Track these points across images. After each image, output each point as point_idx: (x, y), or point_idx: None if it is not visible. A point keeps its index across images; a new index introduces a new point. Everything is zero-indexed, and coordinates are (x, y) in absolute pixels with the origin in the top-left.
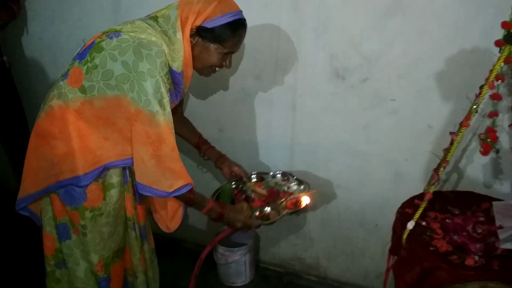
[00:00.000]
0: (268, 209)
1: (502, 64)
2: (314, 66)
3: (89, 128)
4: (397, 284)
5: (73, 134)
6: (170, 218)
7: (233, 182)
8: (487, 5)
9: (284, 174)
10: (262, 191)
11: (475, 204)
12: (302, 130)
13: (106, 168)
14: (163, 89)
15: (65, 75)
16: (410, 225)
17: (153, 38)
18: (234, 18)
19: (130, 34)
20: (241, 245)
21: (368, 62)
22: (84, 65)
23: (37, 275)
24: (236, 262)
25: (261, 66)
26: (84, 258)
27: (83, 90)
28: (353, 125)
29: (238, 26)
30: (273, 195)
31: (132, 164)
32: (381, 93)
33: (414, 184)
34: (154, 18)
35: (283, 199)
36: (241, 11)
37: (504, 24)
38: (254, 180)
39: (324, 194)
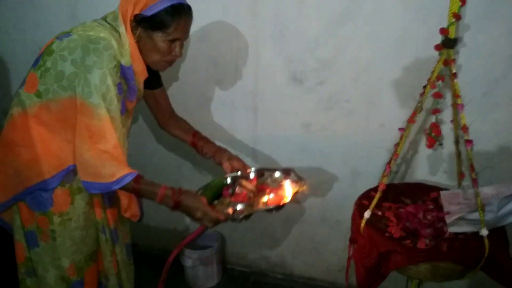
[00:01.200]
0: (240, 206)
1: (442, 65)
2: (273, 70)
3: (50, 132)
4: (357, 269)
5: (35, 139)
6: (124, 210)
7: (229, 177)
8: (430, 14)
9: (285, 170)
10: (249, 185)
11: (425, 194)
12: (263, 132)
13: (72, 172)
14: (110, 82)
15: (22, 83)
16: (367, 214)
17: (102, 34)
18: (172, 2)
19: (79, 33)
20: (208, 247)
21: (323, 66)
22: (38, 70)
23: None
24: (204, 264)
25: (222, 71)
26: (54, 265)
27: (38, 94)
28: (311, 126)
29: (178, 10)
30: (260, 192)
31: None
32: (336, 95)
33: (371, 179)
34: (104, 18)
35: (266, 196)
36: None
37: (442, 30)
38: (252, 176)
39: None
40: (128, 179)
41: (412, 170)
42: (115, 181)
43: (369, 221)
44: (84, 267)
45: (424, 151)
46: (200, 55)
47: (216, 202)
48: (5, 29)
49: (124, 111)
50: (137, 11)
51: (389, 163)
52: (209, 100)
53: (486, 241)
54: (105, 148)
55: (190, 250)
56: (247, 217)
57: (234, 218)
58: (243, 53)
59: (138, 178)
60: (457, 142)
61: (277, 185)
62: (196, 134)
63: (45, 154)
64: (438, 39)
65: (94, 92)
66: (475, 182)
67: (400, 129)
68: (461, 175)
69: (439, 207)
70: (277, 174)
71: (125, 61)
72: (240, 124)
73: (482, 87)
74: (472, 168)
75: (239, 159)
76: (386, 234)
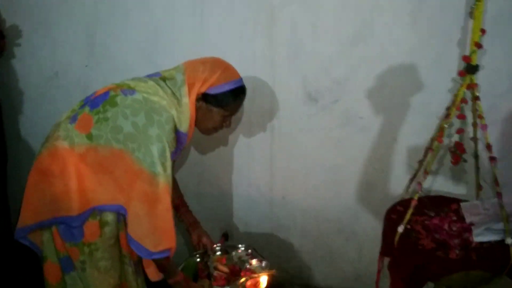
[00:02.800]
0: None
1: (465, 89)
2: (289, 90)
3: (89, 172)
4: (394, 281)
5: (72, 174)
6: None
7: (198, 255)
8: (437, 34)
9: (247, 248)
10: (224, 268)
11: (446, 206)
12: (280, 148)
13: (97, 210)
14: (167, 154)
15: (73, 119)
16: (400, 228)
17: (164, 102)
18: (236, 85)
19: (143, 94)
20: None
21: (337, 85)
22: (95, 115)
23: None
24: None
25: None
26: None
27: (90, 137)
28: (327, 142)
29: (239, 92)
30: (235, 273)
31: (120, 211)
32: (350, 112)
33: (385, 191)
34: (163, 79)
35: (243, 279)
36: (241, 79)
37: (465, 58)
38: (218, 253)
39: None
40: (165, 254)
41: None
42: (155, 252)
43: (401, 234)
44: None
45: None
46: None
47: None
48: (20, 57)
49: None
50: (204, 89)
51: (414, 179)
52: None
53: (511, 248)
54: (159, 212)
55: None
56: None
57: None
58: (259, 74)
59: (170, 255)
60: (476, 157)
61: (246, 265)
62: (182, 198)
63: (79, 191)
64: (448, 59)
65: (156, 163)
66: (499, 195)
67: (429, 149)
68: (479, 188)
69: (461, 217)
70: (241, 250)
71: (183, 128)
72: (256, 143)
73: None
74: (496, 182)
75: (208, 236)
76: (419, 247)
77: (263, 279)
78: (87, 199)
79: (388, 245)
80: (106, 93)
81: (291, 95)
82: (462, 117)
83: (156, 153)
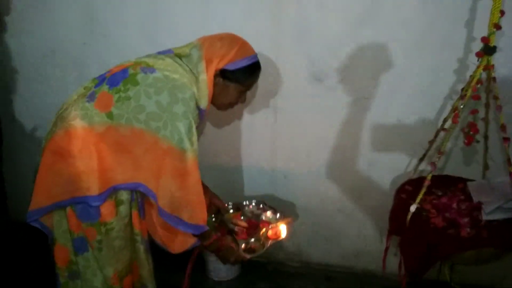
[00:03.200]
0: (252, 240)
1: (481, 71)
2: (294, 70)
3: (108, 151)
4: (407, 259)
5: (93, 154)
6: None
7: (212, 216)
8: (445, 15)
9: (258, 202)
10: (243, 222)
11: (452, 185)
12: (283, 128)
13: (114, 189)
14: (194, 130)
15: (90, 97)
16: (413, 208)
17: (185, 79)
18: (252, 61)
19: (164, 73)
20: None
21: (343, 65)
22: (116, 93)
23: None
24: None
25: None
26: (101, 271)
27: (110, 116)
28: (331, 122)
29: (256, 68)
30: (253, 226)
31: (139, 188)
32: (356, 93)
33: (386, 170)
34: (178, 55)
35: (263, 230)
36: (257, 54)
37: (483, 39)
38: (231, 211)
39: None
40: (201, 230)
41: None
42: (189, 224)
43: (412, 213)
44: (124, 276)
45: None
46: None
47: None
48: (14, 33)
49: None
50: (221, 65)
51: (422, 159)
52: None
53: None
54: (190, 184)
55: None
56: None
57: (253, 255)
58: (264, 53)
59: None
60: (486, 137)
61: (262, 217)
62: None
63: (100, 171)
64: (454, 40)
65: (184, 139)
66: (511, 175)
67: (444, 129)
68: (486, 167)
69: (468, 196)
70: (252, 206)
71: (203, 105)
72: (259, 122)
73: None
74: (509, 162)
75: (217, 197)
76: (431, 225)
77: (282, 228)
78: (107, 178)
79: (398, 224)
80: (125, 71)
81: (296, 74)
82: (477, 97)
83: (183, 130)
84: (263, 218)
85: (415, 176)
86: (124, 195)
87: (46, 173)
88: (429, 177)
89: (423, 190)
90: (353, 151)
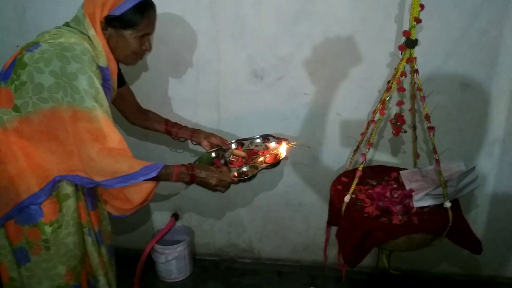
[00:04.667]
0: (245, 167)
1: (404, 63)
2: (234, 68)
3: (33, 145)
4: (343, 248)
5: (18, 154)
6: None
7: (213, 152)
8: (376, 11)
9: (264, 136)
10: (241, 152)
11: (387, 174)
12: (227, 127)
13: (58, 181)
14: (97, 85)
15: None
16: (347, 198)
17: (72, 39)
18: (138, 0)
19: (49, 42)
20: (178, 242)
21: (282, 62)
22: (11, 84)
23: None
24: (176, 258)
25: (183, 71)
26: (47, 276)
27: (16, 109)
28: (273, 118)
29: (145, 7)
30: (252, 155)
31: (83, 182)
32: (295, 89)
33: (329, 164)
34: (66, 24)
35: (262, 156)
36: None
37: (405, 33)
38: (234, 147)
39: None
40: (155, 172)
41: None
42: (135, 172)
43: (347, 204)
44: (80, 271)
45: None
46: (160, 55)
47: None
48: None
49: None
50: (105, 13)
51: (356, 151)
52: (172, 99)
53: (449, 211)
54: (112, 145)
55: (162, 246)
56: (252, 177)
57: (243, 179)
58: (204, 52)
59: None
60: (414, 127)
61: (264, 148)
62: (167, 122)
63: (31, 167)
64: (386, 35)
65: (85, 97)
66: (437, 162)
67: (371, 121)
68: (416, 156)
69: (401, 185)
70: (258, 140)
71: (102, 63)
72: (203, 121)
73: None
74: (435, 150)
75: (216, 135)
76: (365, 215)
77: (283, 148)
78: (44, 171)
79: (335, 215)
80: (14, 60)
81: (237, 73)
82: (402, 89)
83: (82, 87)
84: (265, 147)
85: (350, 168)
86: (67, 188)
87: None
88: (360, 168)
89: (356, 181)
90: (296, 146)
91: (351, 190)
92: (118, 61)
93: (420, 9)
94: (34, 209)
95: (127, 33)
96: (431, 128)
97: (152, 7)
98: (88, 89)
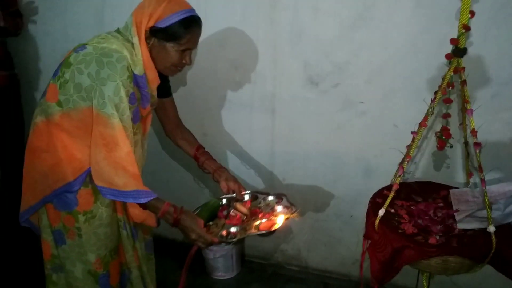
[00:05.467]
0: (234, 228)
1: (452, 73)
2: (290, 73)
3: (71, 138)
4: (372, 263)
5: (57, 145)
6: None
7: (225, 198)
8: (439, 21)
9: (278, 195)
10: (243, 209)
11: (435, 192)
12: (281, 132)
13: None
14: (123, 93)
15: (44, 93)
16: (381, 212)
17: (114, 46)
18: (185, 15)
19: (94, 45)
20: None
21: (338, 69)
22: (57, 81)
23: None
24: (224, 256)
25: (241, 75)
26: (81, 260)
27: (59, 104)
28: (326, 126)
29: (190, 22)
30: (253, 215)
31: None
32: (351, 97)
33: (383, 177)
34: (117, 29)
35: (258, 221)
36: (193, 9)
37: (452, 40)
38: (246, 198)
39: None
40: (144, 199)
41: (422, 169)
42: (126, 191)
43: (383, 218)
44: (109, 261)
45: (431, 150)
46: (220, 58)
47: (211, 223)
48: (35, 34)
49: (137, 119)
50: (151, 23)
51: (401, 164)
52: (229, 102)
53: (493, 237)
54: (119, 155)
55: None
56: (239, 240)
57: (227, 241)
58: (261, 57)
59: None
60: (465, 143)
61: (270, 210)
62: (199, 148)
63: (68, 158)
64: (447, 45)
65: (107, 103)
66: (483, 182)
67: (412, 132)
68: (469, 175)
69: (449, 204)
70: (270, 198)
71: (138, 71)
72: (258, 125)
73: (491, 89)
74: (480, 169)
75: (236, 181)
76: (399, 231)
77: (280, 219)
78: (79, 162)
79: (369, 228)
80: (64, 60)
81: (292, 78)
82: (448, 101)
83: (107, 93)
84: (269, 210)
85: (398, 181)
86: None
87: (28, 172)
88: (397, 181)
89: (392, 194)
90: (349, 155)
91: (386, 203)
92: (158, 71)
93: (470, 15)
94: (70, 197)
95: (170, 45)
96: (477, 144)
97: (197, 23)
98: (112, 96)
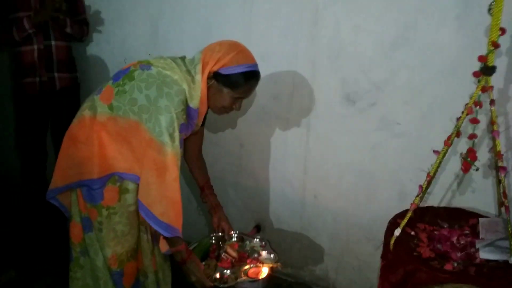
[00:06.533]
0: (227, 272)
1: (480, 92)
2: (327, 90)
3: (109, 140)
4: (382, 284)
5: (95, 142)
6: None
7: (213, 237)
8: (481, 42)
9: (262, 239)
10: (233, 252)
11: (464, 219)
12: (315, 148)
13: (118, 177)
14: (176, 125)
15: (99, 91)
16: (397, 232)
17: (176, 77)
18: (248, 69)
19: (158, 68)
20: None
21: (376, 88)
22: (116, 87)
23: (61, 260)
24: None
25: (280, 88)
26: (101, 251)
27: (111, 107)
28: (361, 145)
29: (251, 76)
30: (242, 259)
31: (137, 181)
32: (387, 117)
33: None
34: (182, 58)
35: (247, 266)
36: (256, 64)
37: (480, 58)
38: (234, 239)
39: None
40: (168, 234)
41: (448, 192)
42: (159, 221)
43: (399, 239)
44: (125, 260)
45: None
46: (261, 71)
47: (204, 263)
48: (97, 42)
49: (181, 145)
50: (216, 68)
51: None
52: (266, 114)
53: None
54: (167, 181)
55: None
56: (229, 286)
57: (219, 285)
58: (300, 72)
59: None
60: (497, 169)
61: (256, 255)
62: (208, 181)
63: (100, 156)
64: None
65: (164, 132)
66: (507, 209)
67: (434, 151)
68: (501, 203)
69: (475, 234)
70: (256, 241)
71: (193, 104)
72: (293, 139)
73: None
74: (504, 195)
75: (227, 221)
76: (414, 254)
77: (265, 269)
78: (108, 165)
79: (385, 248)
80: (128, 69)
81: (330, 95)
82: (475, 121)
83: (164, 123)
84: (256, 255)
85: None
86: (130, 185)
87: (62, 157)
88: (416, 201)
89: (409, 214)
90: (383, 178)
91: (402, 223)
92: (209, 107)
93: (500, 33)
94: (97, 191)
95: (226, 90)
96: (502, 169)
97: (256, 78)
98: (168, 126)
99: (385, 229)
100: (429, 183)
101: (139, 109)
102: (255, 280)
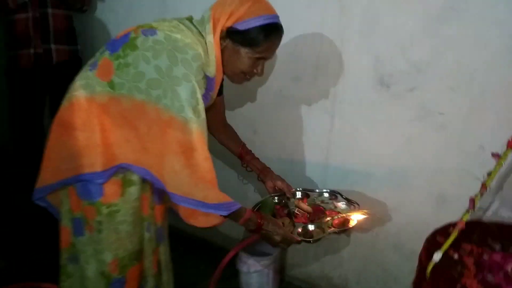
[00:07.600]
0: (311, 226)
1: None
2: (357, 71)
3: (113, 125)
4: None
5: (96, 128)
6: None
7: (276, 197)
8: None
9: (332, 192)
10: (307, 207)
11: None
12: (339, 139)
13: (124, 167)
14: (199, 95)
15: (93, 65)
16: (436, 256)
17: (188, 40)
18: (268, 21)
19: (165, 32)
20: (267, 254)
21: (416, 70)
22: (115, 60)
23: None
24: (258, 273)
25: (301, 68)
26: (95, 258)
27: (112, 85)
28: (394, 138)
29: (272, 30)
30: (318, 213)
31: (146, 177)
32: (428, 105)
33: (460, 210)
34: (189, 19)
35: (329, 217)
36: (277, 15)
37: None
38: (298, 196)
39: (376, 216)
40: (225, 212)
41: (504, 207)
42: (207, 203)
43: (439, 265)
44: (128, 265)
45: None
46: (279, 48)
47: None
48: (101, 11)
49: None
50: (229, 23)
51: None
52: (285, 97)
53: None
54: (197, 162)
55: (247, 255)
56: (317, 239)
57: (307, 240)
58: (325, 50)
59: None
60: None
61: (333, 207)
62: (244, 147)
63: (103, 145)
64: None
65: (185, 106)
66: None
67: (494, 154)
68: None
69: None
70: (325, 195)
71: (210, 72)
72: (313, 128)
73: None
74: None
75: (283, 180)
76: (458, 286)
77: (354, 217)
78: (113, 154)
79: (420, 275)
80: (126, 35)
81: (359, 77)
82: None
83: (184, 95)
84: (333, 207)
85: (465, 218)
86: (134, 176)
87: (52, 148)
88: (464, 218)
89: (454, 234)
90: (419, 177)
91: (445, 247)
92: (225, 75)
93: None
94: (95, 187)
95: (244, 50)
96: None
97: (278, 32)
98: (189, 98)
99: (415, 237)
100: (482, 195)
101: (147, 85)
102: (344, 230)
